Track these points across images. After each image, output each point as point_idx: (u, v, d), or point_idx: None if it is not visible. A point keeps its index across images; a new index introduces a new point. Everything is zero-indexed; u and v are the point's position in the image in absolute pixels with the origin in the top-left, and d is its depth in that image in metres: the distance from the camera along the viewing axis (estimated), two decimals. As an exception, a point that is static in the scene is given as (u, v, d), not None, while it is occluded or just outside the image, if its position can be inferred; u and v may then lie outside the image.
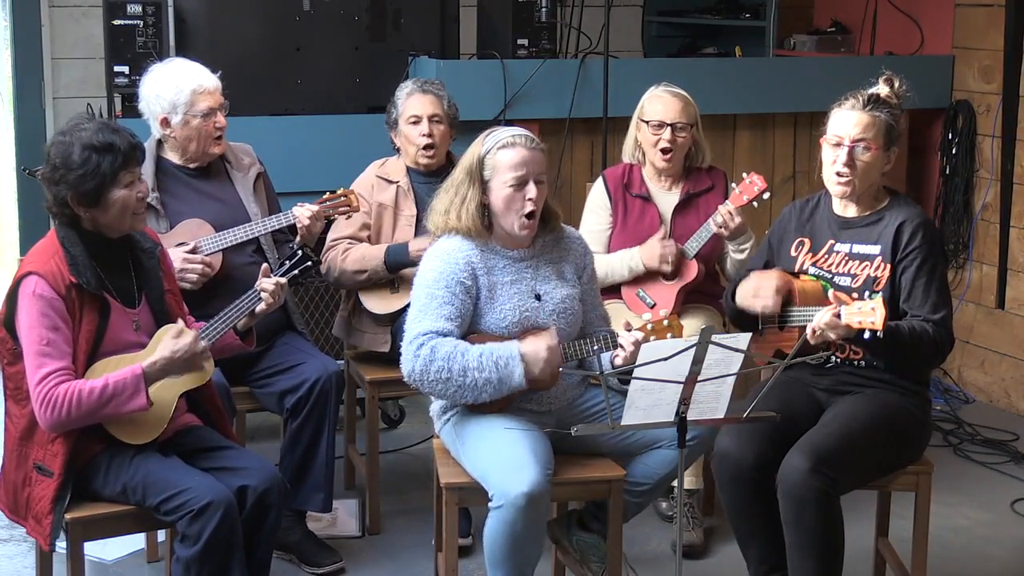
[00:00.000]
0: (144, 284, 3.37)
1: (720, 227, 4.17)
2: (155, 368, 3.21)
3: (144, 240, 3.40)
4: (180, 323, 3.32)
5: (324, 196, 4.20)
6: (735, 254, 4.26)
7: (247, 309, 3.52)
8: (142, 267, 3.38)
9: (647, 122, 4.33)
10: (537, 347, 3.35)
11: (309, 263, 3.66)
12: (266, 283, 3.55)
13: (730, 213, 4.14)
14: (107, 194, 3.22)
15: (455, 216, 3.44)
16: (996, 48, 5.56)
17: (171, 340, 3.24)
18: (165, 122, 4.02)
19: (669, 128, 4.29)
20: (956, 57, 5.81)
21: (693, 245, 4.26)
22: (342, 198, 4.19)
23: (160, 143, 4.10)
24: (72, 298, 3.19)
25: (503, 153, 3.41)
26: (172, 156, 4.09)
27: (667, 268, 4.24)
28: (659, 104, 4.32)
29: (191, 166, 4.10)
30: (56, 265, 3.19)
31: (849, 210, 3.62)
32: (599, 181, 4.46)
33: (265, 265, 3.65)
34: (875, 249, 3.54)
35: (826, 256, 3.62)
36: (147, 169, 3.99)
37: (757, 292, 3.58)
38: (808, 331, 3.33)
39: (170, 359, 3.22)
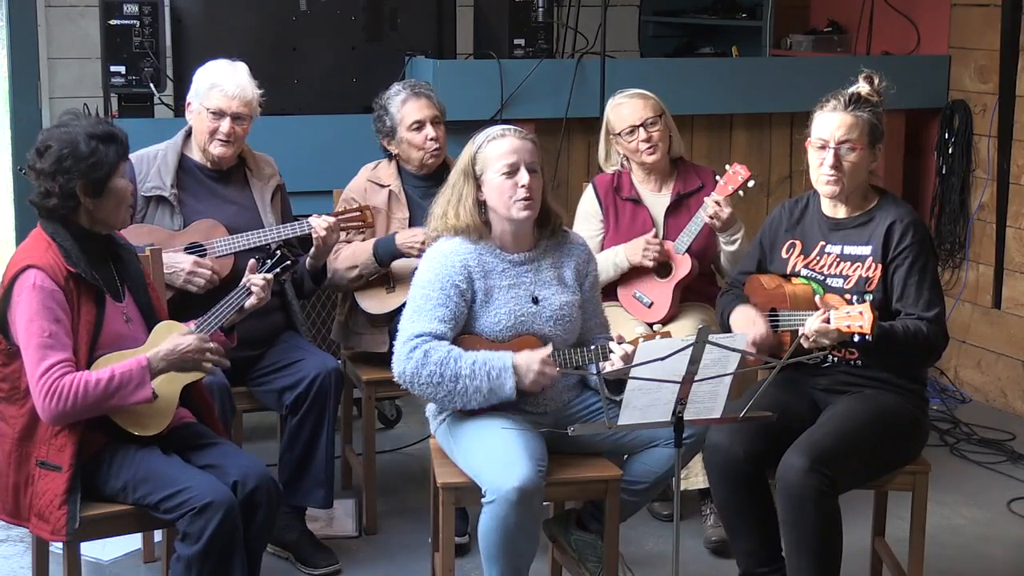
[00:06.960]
0: (127, 278, 3.40)
1: (712, 218, 4.16)
2: (158, 358, 3.23)
3: (118, 238, 3.45)
4: (192, 325, 3.36)
5: (340, 209, 4.21)
6: (727, 246, 4.25)
7: (237, 305, 3.52)
8: (122, 261, 3.41)
9: (619, 133, 4.34)
10: (530, 360, 3.34)
11: (288, 262, 3.66)
12: (256, 278, 3.55)
13: (718, 203, 4.14)
14: (110, 183, 3.26)
15: (453, 214, 3.45)
16: (992, 48, 5.56)
17: (177, 336, 3.28)
18: (189, 106, 4.09)
19: (641, 128, 4.30)
20: (952, 57, 5.81)
21: (684, 239, 4.25)
22: (357, 213, 4.19)
23: (187, 141, 4.12)
24: (71, 288, 3.20)
25: (492, 146, 3.43)
26: (195, 154, 4.12)
27: (649, 263, 4.23)
28: (624, 110, 4.34)
29: (211, 167, 4.11)
30: (52, 257, 3.21)
31: (839, 211, 3.62)
32: (589, 188, 4.46)
33: (252, 260, 3.65)
34: (866, 250, 3.54)
35: (817, 257, 3.62)
36: (170, 165, 4.03)
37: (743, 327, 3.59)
38: (800, 337, 3.34)
39: (171, 351, 3.25)
